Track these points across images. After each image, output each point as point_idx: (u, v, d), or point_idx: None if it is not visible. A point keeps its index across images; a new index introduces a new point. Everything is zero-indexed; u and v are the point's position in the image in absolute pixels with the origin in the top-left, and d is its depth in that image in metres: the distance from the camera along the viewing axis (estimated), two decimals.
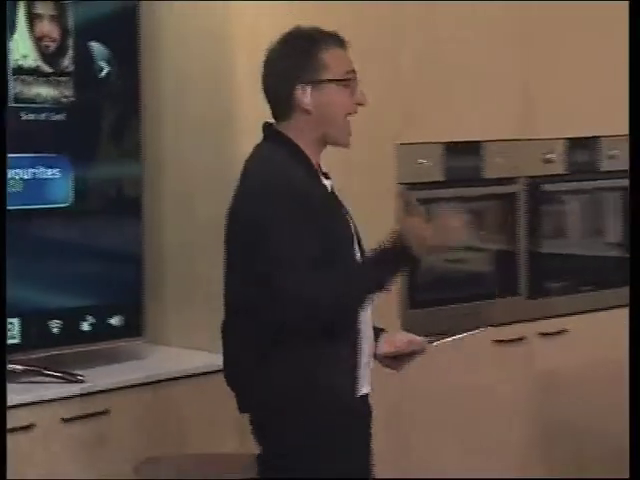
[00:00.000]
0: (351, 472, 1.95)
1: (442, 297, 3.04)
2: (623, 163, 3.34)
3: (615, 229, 3.59)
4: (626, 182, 3.39)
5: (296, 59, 1.97)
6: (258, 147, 2.04)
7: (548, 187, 3.23)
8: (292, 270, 1.81)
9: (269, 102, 1.98)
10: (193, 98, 2.68)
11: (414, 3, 2.84)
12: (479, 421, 3.02)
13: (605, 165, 3.40)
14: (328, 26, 2.49)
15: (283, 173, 1.94)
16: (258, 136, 2.48)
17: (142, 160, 2.57)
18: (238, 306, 1.94)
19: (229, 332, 1.99)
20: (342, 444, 1.96)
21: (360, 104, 2.02)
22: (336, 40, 2.04)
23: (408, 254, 1.82)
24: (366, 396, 2.03)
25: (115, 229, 2.50)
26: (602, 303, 3.34)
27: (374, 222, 2.30)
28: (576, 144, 3.29)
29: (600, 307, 3.32)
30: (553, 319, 3.20)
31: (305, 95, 1.93)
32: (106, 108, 2.51)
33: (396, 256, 1.86)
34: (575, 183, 3.36)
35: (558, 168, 3.26)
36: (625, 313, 3.19)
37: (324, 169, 2.05)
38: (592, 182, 3.42)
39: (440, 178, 2.97)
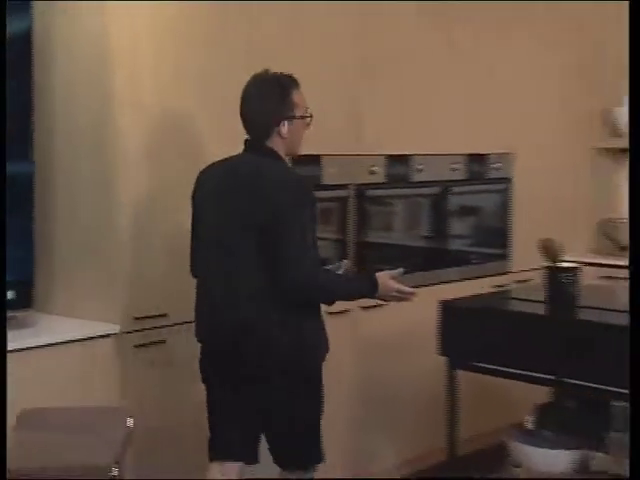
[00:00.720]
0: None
1: None
2: (428, 175, 3.58)
3: (425, 225, 3.77)
4: (432, 190, 3.68)
5: (275, 100, 2.30)
6: (248, 157, 2.32)
7: (371, 193, 3.37)
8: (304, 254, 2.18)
9: (248, 128, 2.30)
10: (78, 107, 2.66)
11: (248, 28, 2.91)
12: None
13: (415, 177, 3.57)
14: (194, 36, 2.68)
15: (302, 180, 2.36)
16: (132, 145, 2.55)
17: (33, 161, 2.55)
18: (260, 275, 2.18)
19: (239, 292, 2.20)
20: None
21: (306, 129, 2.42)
22: (296, 83, 2.39)
23: (373, 293, 2.29)
24: None
25: (11, 218, 2.47)
26: (413, 282, 3.46)
27: None
28: (394, 159, 3.46)
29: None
30: None
31: (284, 127, 2.29)
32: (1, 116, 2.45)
33: (365, 289, 2.31)
34: (392, 190, 3.52)
35: (380, 178, 3.40)
36: (429, 291, 3.41)
37: None
38: (405, 189, 3.59)
39: None
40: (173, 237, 2.64)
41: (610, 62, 4.40)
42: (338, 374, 3.17)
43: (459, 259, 3.85)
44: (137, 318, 2.53)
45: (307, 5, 3.03)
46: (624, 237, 4.15)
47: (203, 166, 2.37)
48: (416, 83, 3.48)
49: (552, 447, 2.71)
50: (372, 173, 3.35)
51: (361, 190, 3.32)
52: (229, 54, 2.82)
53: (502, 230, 4.01)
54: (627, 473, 2.26)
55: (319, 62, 3.07)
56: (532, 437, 2.81)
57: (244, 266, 2.17)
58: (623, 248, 4.14)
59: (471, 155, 3.79)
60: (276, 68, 2.88)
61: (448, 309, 2.76)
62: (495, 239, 4.04)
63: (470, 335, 2.69)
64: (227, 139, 2.46)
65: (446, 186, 3.71)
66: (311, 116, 2.41)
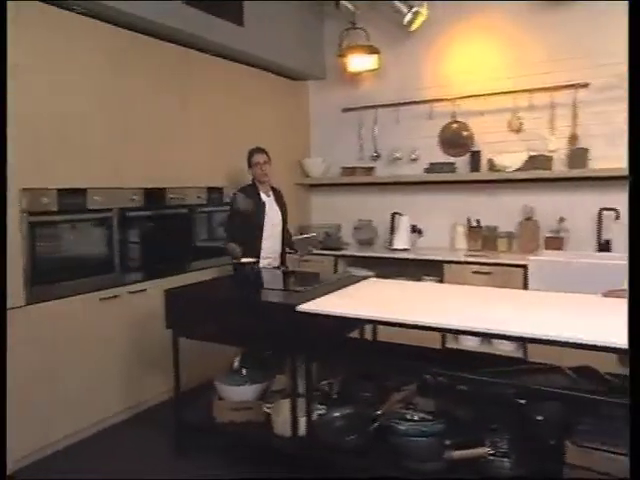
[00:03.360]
0: None
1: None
2: (180, 201, 3.15)
3: (184, 233, 3.28)
4: (183, 210, 3.25)
5: (248, 158, 3.02)
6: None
7: (131, 214, 2.86)
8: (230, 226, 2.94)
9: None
10: None
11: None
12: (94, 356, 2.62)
13: (170, 202, 3.12)
14: None
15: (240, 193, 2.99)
16: None
17: None
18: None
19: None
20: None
21: (263, 172, 3.01)
22: (257, 150, 3.02)
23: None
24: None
25: None
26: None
27: None
28: (149, 191, 2.97)
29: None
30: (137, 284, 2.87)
31: (250, 171, 3.03)
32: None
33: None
34: (148, 212, 2.99)
35: (138, 203, 2.90)
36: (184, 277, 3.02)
37: (267, 193, 3.08)
38: (159, 211, 3.08)
39: (55, 209, 2.47)
40: None
41: (301, 130, 4.25)
42: (110, 339, 2.72)
43: (205, 254, 3.39)
44: None
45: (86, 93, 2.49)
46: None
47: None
48: (161, 137, 3.04)
49: (243, 384, 2.40)
50: (132, 200, 2.85)
51: (123, 212, 2.81)
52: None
53: None
54: (301, 390, 2.04)
55: (96, 128, 2.61)
56: (231, 377, 2.51)
57: None
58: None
59: (210, 188, 3.39)
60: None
61: (169, 295, 2.35)
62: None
63: (183, 313, 2.30)
64: None
65: (192, 208, 3.28)
66: (259, 164, 2.98)
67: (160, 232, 3.12)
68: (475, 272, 3.22)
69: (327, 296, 2.21)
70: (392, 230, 3.78)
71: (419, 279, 3.50)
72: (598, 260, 2.98)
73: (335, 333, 2.20)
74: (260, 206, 2.96)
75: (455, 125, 3.70)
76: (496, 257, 3.30)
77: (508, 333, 1.66)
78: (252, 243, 2.89)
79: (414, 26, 3.63)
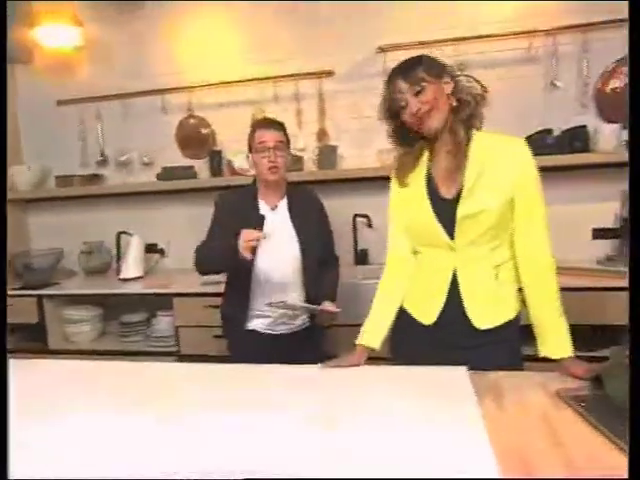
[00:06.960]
0: None
1: None
2: None
3: None
4: None
5: (250, 137, 1.54)
6: None
7: None
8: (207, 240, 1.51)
9: None
10: None
11: None
12: None
13: None
14: None
15: (228, 195, 1.57)
16: None
17: None
18: None
19: None
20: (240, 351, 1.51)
21: (271, 162, 1.48)
22: (263, 124, 1.53)
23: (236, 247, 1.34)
24: (260, 334, 1.55)
25: None
26: None
27: None
28: None
29: None
30: None
31: (250, 160, 1.55)
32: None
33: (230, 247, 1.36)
34: None
35: None
36: None
37: (275, 202, 1.56)
38: None
39: None
40: None
41: (8, 129, 2.87)
42: None
43: None
44: None
45: None
46: None
47: None
48: None
49: None
50: None
51: None
52: None
53: None
54: None
55: None
56: None
57: None
58: None
59: None
60: None
61: None
62: None
63: None
64: None
65: None
66: (266, 148, 1.46)
67: None
68: (208, 306, 2.24)
69: None
70: (119, 255, 2.66)
71: (154, 315, 2.45)
72: (354, 280, 2.25)
73: None
74: (253, 223, 1.40)
75: (192, 120, 2.69)
76: None
77: None
78: (235, 290, 1.56)
79: None
